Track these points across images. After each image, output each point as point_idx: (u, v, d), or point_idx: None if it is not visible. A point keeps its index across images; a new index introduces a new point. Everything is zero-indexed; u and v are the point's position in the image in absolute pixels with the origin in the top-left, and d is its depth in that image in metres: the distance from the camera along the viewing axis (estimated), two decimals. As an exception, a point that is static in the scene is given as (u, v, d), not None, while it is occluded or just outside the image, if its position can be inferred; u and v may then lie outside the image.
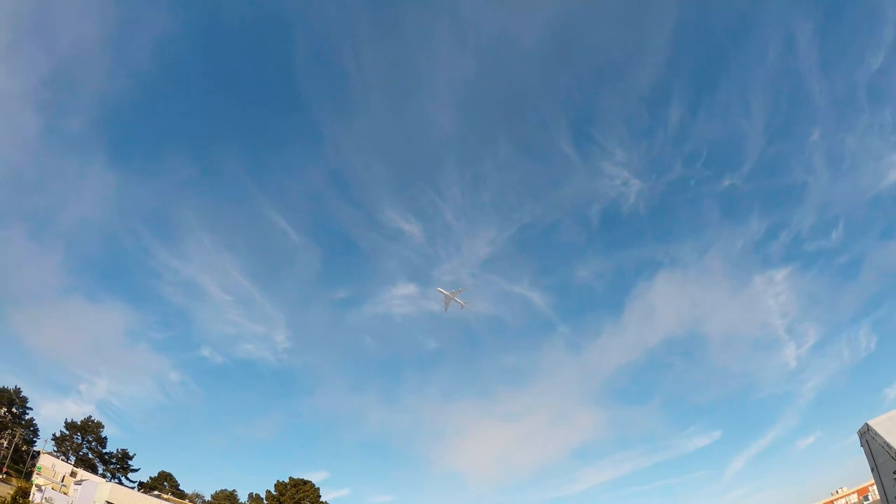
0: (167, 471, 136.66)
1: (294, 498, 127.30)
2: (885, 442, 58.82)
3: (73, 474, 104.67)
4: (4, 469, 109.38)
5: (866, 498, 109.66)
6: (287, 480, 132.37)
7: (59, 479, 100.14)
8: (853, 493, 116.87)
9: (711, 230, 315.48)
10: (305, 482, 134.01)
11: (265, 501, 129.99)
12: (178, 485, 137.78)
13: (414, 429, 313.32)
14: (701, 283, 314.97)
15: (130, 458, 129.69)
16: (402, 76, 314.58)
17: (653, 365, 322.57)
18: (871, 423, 62.81)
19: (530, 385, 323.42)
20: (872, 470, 65.67)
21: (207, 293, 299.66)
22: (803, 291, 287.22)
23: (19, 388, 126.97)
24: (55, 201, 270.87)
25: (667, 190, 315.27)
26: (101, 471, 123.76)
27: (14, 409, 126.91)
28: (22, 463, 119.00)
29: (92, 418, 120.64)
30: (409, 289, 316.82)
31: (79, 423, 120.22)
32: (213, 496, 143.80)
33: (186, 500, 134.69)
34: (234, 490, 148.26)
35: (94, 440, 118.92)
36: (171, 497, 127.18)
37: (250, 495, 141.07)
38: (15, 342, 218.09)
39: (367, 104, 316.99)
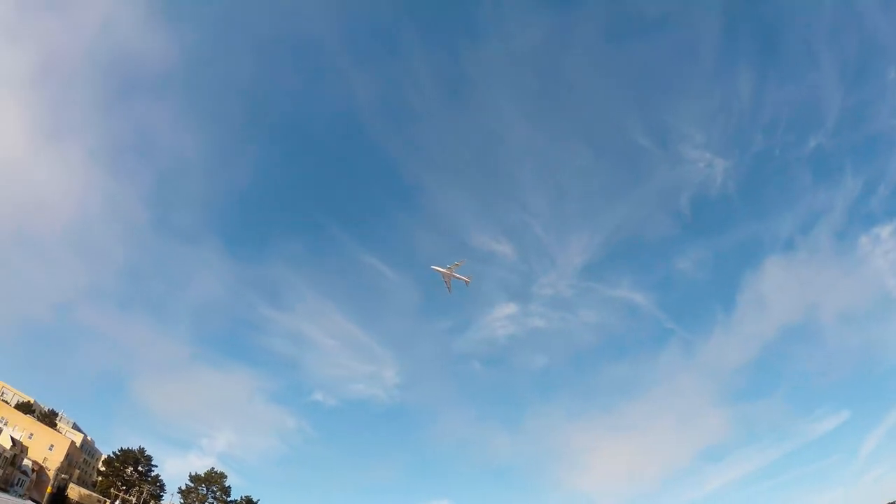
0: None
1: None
2: None
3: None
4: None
5: None
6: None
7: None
8: None
9: (806, 197, 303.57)
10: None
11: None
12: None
13: (535, 452, 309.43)
14: (806, 258, 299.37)
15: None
16: (465, 102, 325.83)
17: (771, 356, 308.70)
18: None
19: (648, 393, 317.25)
20: None
21: (314, 341, 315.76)
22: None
23: (143, 448, 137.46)
24: (174, 284, 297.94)
25: (753, 164, 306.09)
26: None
27: (140, 468, 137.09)
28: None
29: (215, 469, 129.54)
30: (509, 308, 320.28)
31: (202, 474, 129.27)
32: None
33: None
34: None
35: (219, 490, 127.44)
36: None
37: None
38: (141, 410, 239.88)
39: (440, 136, 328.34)
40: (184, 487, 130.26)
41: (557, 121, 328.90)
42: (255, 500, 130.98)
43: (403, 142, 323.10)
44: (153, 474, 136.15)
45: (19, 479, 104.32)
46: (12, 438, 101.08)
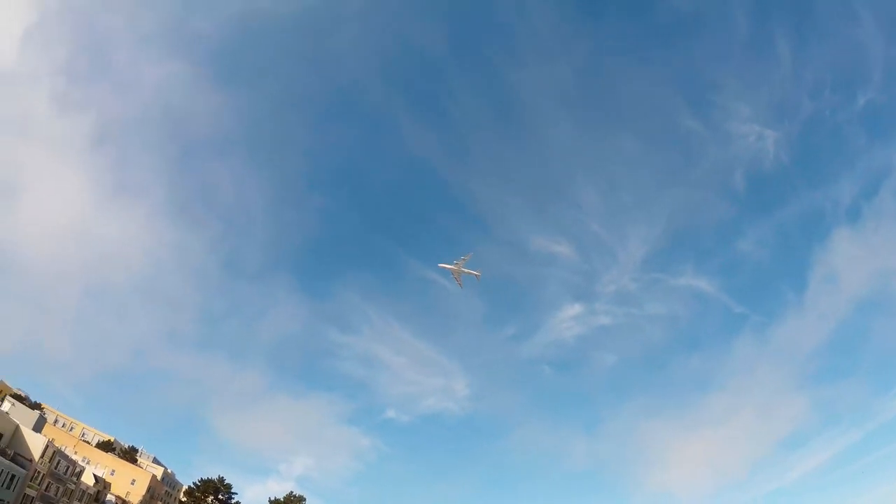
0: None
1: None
2: None
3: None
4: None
5: None
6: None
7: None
8: None
9: (864, 158, 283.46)
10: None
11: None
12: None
13: (614, 453, 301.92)
14: (874, 225, 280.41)
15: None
16: (509, 114, 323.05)
17: (847, 334, 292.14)
18: None
19: (724, 383, 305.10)
20: None
21: (383, 361, 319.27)
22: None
23: (223, 477, 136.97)
24: (249, 322, 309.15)
25: (803, 130, 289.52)
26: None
27: (220, 496, 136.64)
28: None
29: (294, 493, 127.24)
30: (574, 309, 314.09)
31: (282, 499, 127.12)
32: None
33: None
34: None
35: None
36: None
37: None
38: (220, 441, 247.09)
39: (488, 150, 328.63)
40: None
41: (600, 116, 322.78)
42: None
43: (454, 160, 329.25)
44: (233, 502, 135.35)
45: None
46: (95, 476, 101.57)
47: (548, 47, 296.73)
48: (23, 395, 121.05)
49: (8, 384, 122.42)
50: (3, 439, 71.79)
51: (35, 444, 76.82)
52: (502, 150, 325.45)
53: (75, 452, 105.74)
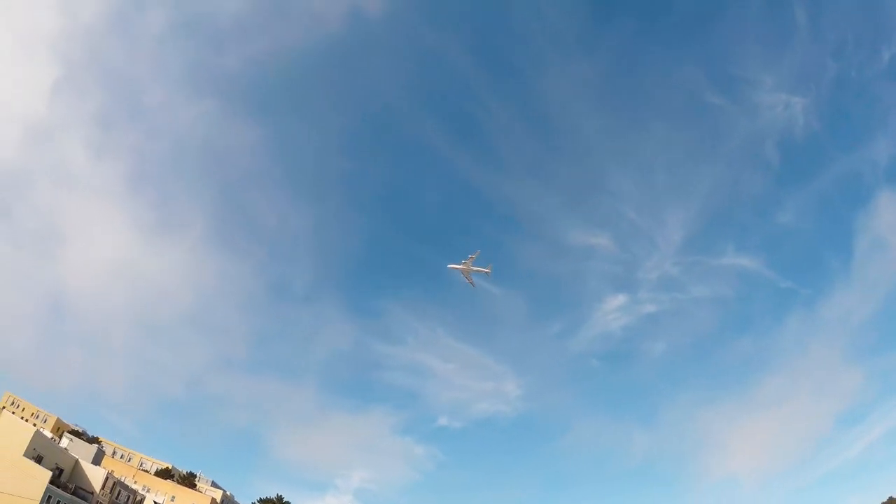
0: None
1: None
2: None
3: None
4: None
5: None
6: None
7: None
8: None
9: (894, 113, 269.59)
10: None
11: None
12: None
13: (673, 443, 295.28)
14: None
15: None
16: (536, 114, 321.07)
17: None
18: None
19: (777, 362, 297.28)
20: None
21: (432, 369, 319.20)
22: None
23: (281, 496, 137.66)
24: (299, 342, 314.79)
25: (831, 93, 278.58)
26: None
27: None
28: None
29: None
30: (618, 300, 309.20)
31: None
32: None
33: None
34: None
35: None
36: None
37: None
38: (276, 460, 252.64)
39: (520, 150, 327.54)
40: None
41: (626, 104, 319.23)
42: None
43: (488, 167, 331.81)
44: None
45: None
46: (155, 503, 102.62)
47: (566, 43, 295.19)
48: (80, 430, 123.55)
49: (65, 421, 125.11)
50: (65, 474, 72.56)
51: (95, 476, 77.59)
52: (534, 151, 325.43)
53: (135, 482, 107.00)
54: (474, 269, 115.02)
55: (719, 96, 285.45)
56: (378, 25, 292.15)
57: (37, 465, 64.67)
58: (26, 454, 64.42)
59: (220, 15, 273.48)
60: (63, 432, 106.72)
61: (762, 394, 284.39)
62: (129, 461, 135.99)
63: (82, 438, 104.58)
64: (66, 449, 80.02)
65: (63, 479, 71.39)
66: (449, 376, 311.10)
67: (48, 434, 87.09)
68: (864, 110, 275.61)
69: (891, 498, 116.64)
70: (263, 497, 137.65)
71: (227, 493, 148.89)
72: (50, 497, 64.44)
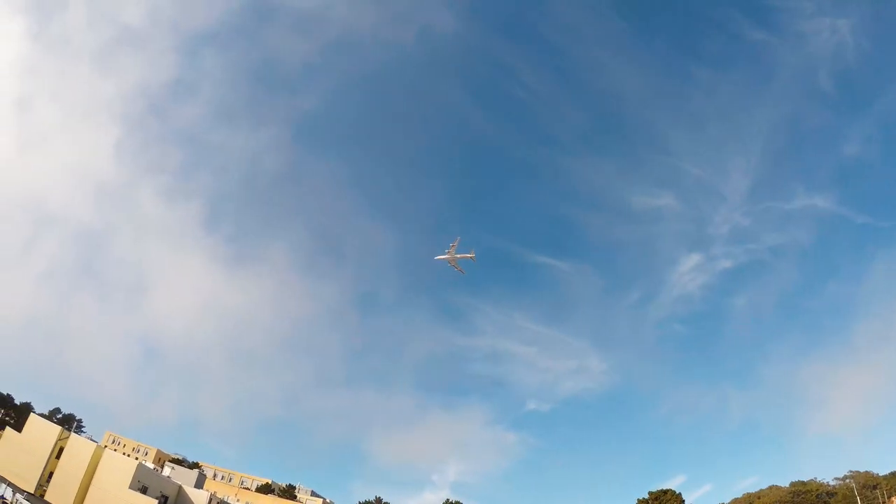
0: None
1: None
2: None
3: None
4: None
5: None
6: (647, 496, 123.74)
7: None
8: None
9: None
10: (665, 492, 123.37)
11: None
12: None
13: (772, 401, 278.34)
14: None
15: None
16: (579, 83, 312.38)
17: None
18: None
19: (868, 305, 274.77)
20: None
21: (513, 354, 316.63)
22: None
23: (380, 497, 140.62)
24: (390, 351, 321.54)
25: (877, 8, 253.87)
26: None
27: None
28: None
29: (450, 500, 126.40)
30: (692, 260, 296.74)
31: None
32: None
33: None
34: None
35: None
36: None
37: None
38: (374, 464, 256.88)
39: (568, 123, 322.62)
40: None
41: (664, 55, 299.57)
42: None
43: (541, 144, 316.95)
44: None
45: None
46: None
47: (598, 6, 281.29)
48: (180, 458, 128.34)
49: (165, 452, 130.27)
50: (170, 500, 74.40)
51: (199, 498, 79.30)
52: (581, 121, 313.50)
53: (237, 500, 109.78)
54: (458, 256, 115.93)
55: (760, 31, 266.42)
56: (448, 42, 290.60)
57: (142, 496, 66.39)
58: (131, 486, 66.27)
59: (288, 62, 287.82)
60: (164, 462, 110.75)
61: (857, 341, 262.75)
62: (229, 481, 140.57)
63: (183, 465, 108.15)
64: (168, 477, 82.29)
65: (169, 505, 73.18)
66: (531, 359, 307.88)
67: (150, 465, 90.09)
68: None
69: None
70: (362, 500, 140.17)
71: (328, 500, 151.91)
72: (159, 524, 65.96)
